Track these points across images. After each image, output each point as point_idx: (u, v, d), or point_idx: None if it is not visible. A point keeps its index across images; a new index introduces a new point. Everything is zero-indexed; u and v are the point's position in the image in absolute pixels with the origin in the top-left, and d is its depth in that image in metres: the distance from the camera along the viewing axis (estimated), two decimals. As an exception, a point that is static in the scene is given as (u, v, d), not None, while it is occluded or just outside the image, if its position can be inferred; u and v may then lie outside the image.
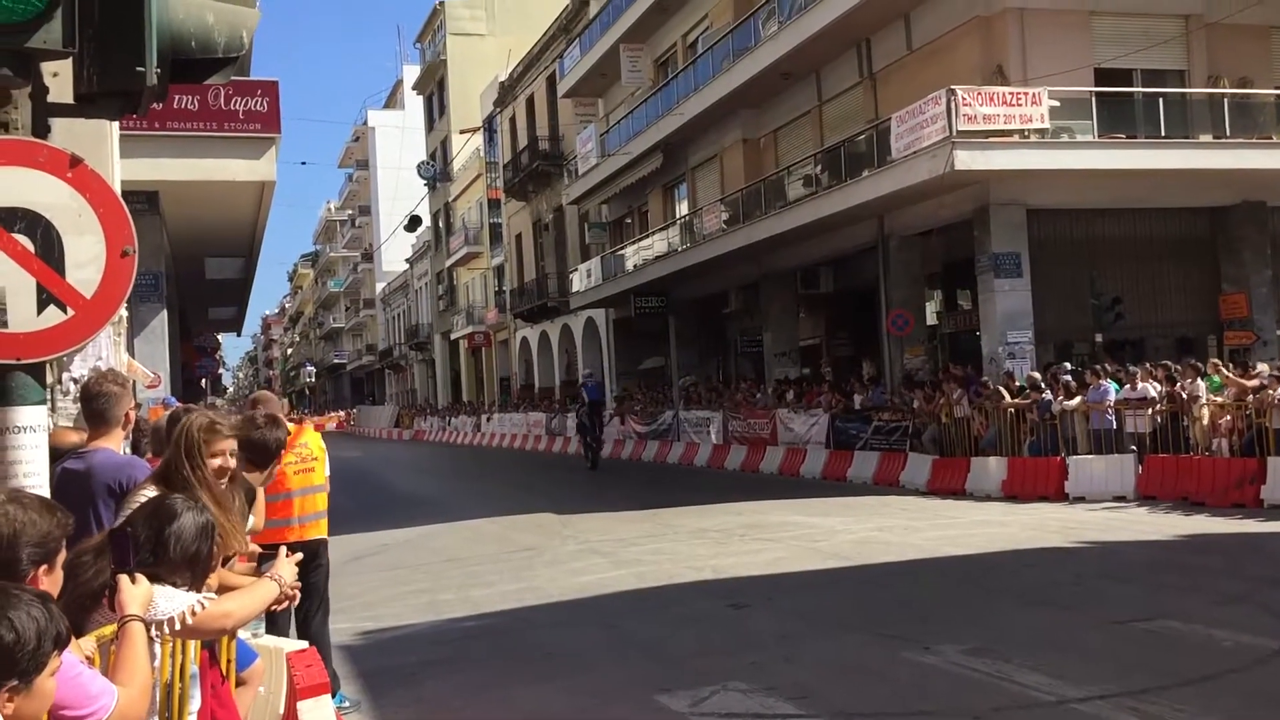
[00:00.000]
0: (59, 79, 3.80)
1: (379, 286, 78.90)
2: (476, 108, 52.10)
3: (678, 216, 31.94)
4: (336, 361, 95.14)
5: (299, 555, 4.02)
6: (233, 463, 4.25)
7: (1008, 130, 18.75)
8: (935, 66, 20.82)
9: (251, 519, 5.00)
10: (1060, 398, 16.76)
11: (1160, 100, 20.47)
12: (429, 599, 10.91)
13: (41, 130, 3.57)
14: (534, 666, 7.99)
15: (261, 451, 5.25)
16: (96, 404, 4.82)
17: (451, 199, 57.78)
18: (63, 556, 2.68)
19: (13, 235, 3.34)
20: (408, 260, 68.92)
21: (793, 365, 27.90)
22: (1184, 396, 15.74)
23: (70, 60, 3.58)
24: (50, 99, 3.77)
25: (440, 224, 60.30)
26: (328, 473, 7.21)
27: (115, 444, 4.95)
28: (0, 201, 3.33)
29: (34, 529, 2.56)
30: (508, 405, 46.36)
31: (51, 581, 2.60)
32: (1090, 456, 16.15)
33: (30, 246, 3.35)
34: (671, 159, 31.44)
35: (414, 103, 67.03)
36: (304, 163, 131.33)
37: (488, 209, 51.47)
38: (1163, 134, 20.06)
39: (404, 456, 40.10)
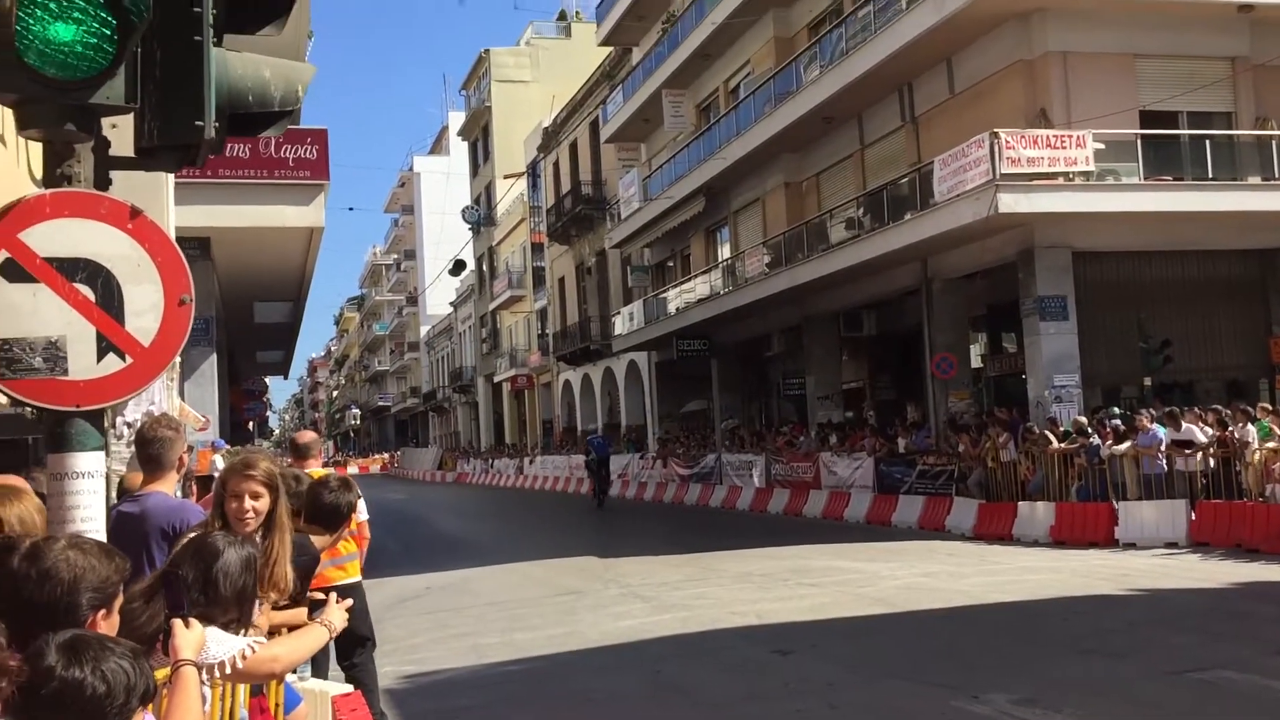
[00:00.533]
0: (117, 130, 3.91)
1: (423, 330, 79.62)
2: (520, 153, 52.72)
3: (720, 260, 32.04)
4: (381, 404, 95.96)
5: (349, 601, 4.05)
6: (252, 505, 4.11)
7: (1052, 173, 18.69)
8: (978, 110, 20.82)
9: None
10: (1109, 442, 16.55)
11: (1207, 142, 20.32)
12: (472, 642, 10.92)
13: (103, 183, 3.67)
14: (576, 711, 7.96)
15: (331, 515, 5.15)
16: (152, 449, 4.92)
17: (495, 243, 58.33)
18: (119, 601, 2.72)
19: (74, 285, 3.43)
20: (452, 304, 69.54)
21: (836, 409, 27.78)
22: (1236, 441, 15.50)
23: (131, 114, 3.69)
24: (110, 152, 3.88)
25: (484, 268, 60.84)
26: (363, 517, 7.21)
27: (169, 488, 5.03)
28: (63, 252, 3.42)
29: (93, 574, 2.60)
30: (550, 448, 46.45)
31: (109, 626, 2.63)
32: (1140, 502, 15.91)
33: (91, 296, 3.44)
34: (714, 203, 31.59)
35: (459, 148, 67.94)
36: (351, 208, 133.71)
37: (531, 253, 51.90)
38: (1210, 176, 19.89)
39: (447, 499, 40.23)
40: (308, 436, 7.92)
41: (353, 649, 7.05)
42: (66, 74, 3.36)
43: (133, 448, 6.13)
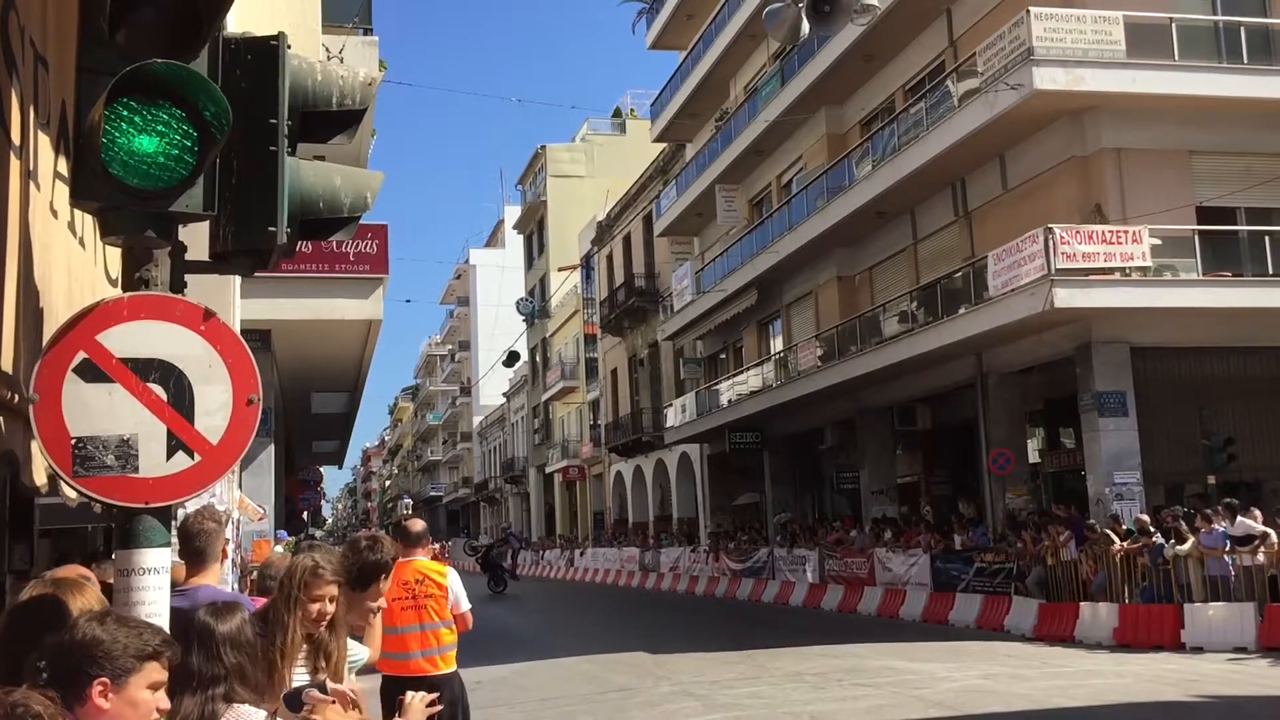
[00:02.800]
0: (191, 233, 4.05)
1: (476, 420, 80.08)
2: (575, 246, 53.47)
3: (772, 353, 32.07)
4: (433, 494, 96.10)
5: (432, 695, 4.01)
6: (332, 608, 4.18)
7: (1108, 268, 18.60)
8: (1032, 205, 20.83)
9: (366, 651, 5.00)
10: (1172, 541, 16.18)
11: (1266, 238, 20.16)
12: (522, 740, 10.79)
13: (178, 286, 3.79)
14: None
15: (360, 574, 5.03)
16: (197, 542, 4.96)
17: (549, 334, 58.89)
18: (136, 679, 2.61)
19: (148, 385, 3.52)
20: (505, 394, 70.00)
21: (890, 503, 27.43)
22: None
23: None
24: (185, 255, 4.02)
25: (537, 359, 61.36)
26: (465, 607, 7.15)
27: (215, 579, 5.06)
28: (138, 353, 3.52)
29: (99, 646, 2.58)
30: (601, 540, 46.21)
31: (119, 699, 2.56)
32: (1207, 605, 15.47)
33: (163, 395, 3.53)
34: (766, 296, 31.72)
35: (514, 241, 69.02)
36: (408, 300, 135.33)
37: (584, 344, 52.30)
38: (1271, 272, 19.69)
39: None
40: (418, 525, 7.64)
41: None
42: (148, 184, 3.49)
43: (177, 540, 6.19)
